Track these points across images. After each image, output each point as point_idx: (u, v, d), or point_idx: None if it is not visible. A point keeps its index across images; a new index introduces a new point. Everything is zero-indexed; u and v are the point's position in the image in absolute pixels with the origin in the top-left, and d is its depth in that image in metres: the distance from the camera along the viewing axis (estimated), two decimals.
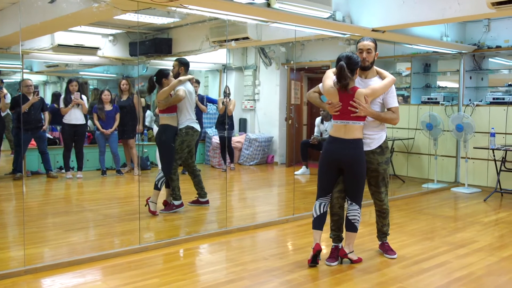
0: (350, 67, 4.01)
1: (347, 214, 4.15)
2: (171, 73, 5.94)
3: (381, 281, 3.86)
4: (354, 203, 4.14)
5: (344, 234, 4.27)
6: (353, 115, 4.04)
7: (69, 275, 3.87)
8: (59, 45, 8.65)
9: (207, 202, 6.32)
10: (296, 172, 9.21)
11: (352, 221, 4.13)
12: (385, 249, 4.49)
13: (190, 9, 4.87)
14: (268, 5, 5.17)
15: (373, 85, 4.15)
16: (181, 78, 5.87)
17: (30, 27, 6.02)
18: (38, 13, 5.71)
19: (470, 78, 8.32)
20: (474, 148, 7.64)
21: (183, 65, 5.96)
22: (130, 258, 4.28)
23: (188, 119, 5.91)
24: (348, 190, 4.16)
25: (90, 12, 5.01)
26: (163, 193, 6.07)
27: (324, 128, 9.32)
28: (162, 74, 5.86)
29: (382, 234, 4.53)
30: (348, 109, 4.03)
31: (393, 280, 3.87)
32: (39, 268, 3.90)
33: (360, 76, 4.24)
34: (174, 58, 6.34)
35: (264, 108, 10.94)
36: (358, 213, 4.14)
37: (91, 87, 11.49)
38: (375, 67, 4.31)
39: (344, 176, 4.13)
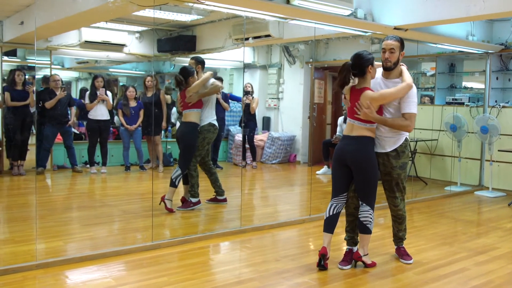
0: (355, 68, 3.94)
1: (359, 216, 4.06)
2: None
3: (394, 286, 3.78)
4: (365, 204, 4.04)
5: (359, 237, 4.19)
6: (356, 116, 3.98)
7: (80, 270, 3.90)
8: (86, 41, 8.77)
9: (224, 200, 6.31)
10: (317, 172, 9.14)
11: (364, 223, 4.02)
12: (401, 253, 4.38)
13: (207, 5, 4.83)
14: (288, 1, 5.11)
15: (384, 90, 4.02)
16: (210, 72, 5.96)
17: (51, 23, 6.09)
18: (57, 10, 5.78)
19: (497, 78, 8.11)
20: (499, 150, 7.40)
21: (199, 63, 6.02)
22: (142, 256, 4.28)
23: (209, 116, 5.97)
24: (357, 190, 4.07)
25: (106, 8, 5.02)
26: (181, 190, 6.08)
27: None
28: (189, 72, 5.89)
29: (397, 238, 4.43)
30: (354, 109, 3.98)
31: (407, 286, 3.78)
32: (50, 263, 3.93)
33: (383, 76, 4.13)
34: (198, 55, 6.36)
35: (286, 107, 10.88)
36: (370, 214, 4.03)
37: (121, 83, 11.65)
38: (402, 67, 4.11)
39: (353, 174, 4.05)
